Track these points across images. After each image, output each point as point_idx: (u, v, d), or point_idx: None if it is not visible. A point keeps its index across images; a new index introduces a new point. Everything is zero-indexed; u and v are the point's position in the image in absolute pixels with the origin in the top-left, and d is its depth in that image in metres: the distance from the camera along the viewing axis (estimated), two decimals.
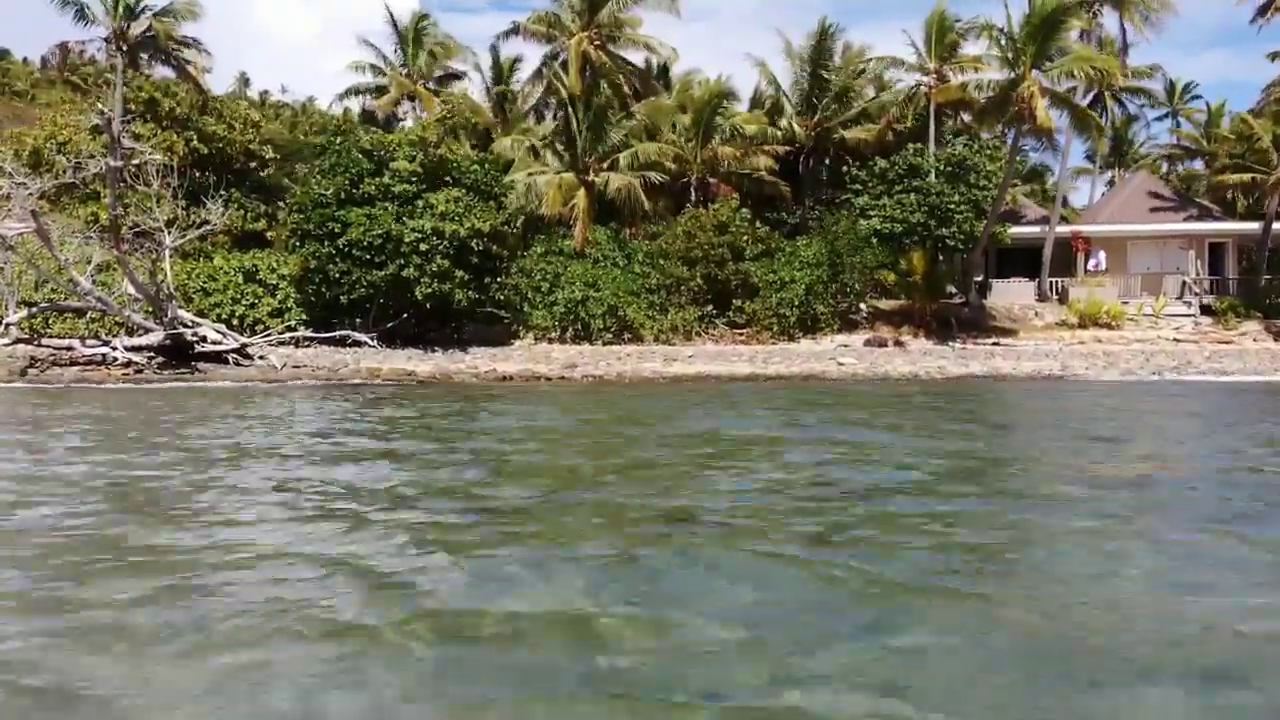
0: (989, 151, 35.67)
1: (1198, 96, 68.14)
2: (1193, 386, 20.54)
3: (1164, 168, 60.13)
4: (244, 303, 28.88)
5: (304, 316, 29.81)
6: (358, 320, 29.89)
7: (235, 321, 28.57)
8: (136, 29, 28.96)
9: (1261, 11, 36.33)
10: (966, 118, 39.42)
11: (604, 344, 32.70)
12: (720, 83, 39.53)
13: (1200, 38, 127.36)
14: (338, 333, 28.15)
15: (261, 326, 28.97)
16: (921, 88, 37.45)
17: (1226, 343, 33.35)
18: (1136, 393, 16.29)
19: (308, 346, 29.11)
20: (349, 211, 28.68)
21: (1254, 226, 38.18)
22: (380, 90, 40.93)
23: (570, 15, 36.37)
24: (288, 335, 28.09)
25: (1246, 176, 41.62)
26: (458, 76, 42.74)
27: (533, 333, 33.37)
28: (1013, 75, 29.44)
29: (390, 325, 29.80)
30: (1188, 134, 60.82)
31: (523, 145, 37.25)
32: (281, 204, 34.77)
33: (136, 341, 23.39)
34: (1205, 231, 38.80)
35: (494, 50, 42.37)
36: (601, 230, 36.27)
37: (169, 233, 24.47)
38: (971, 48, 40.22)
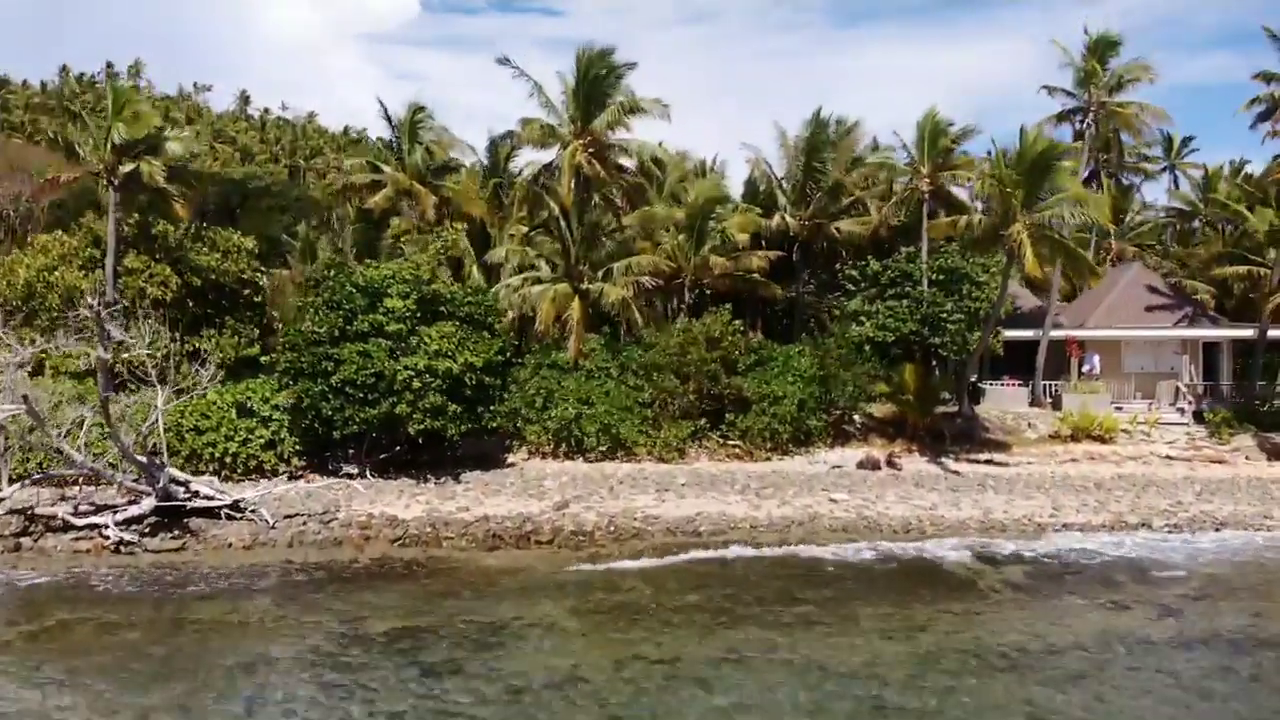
0: (981, 261, 35.71)
1: (1196, 149, 68.48)
2: (1184, 578, 20.68)
3: (1162, 233, 60.22)
4: (237, 439, 28.88)
5: (297, 446, 29.85)
6: (350, 451, 30.02)
7: (229, 459, 28.63)
8: (126, 166, 28.91)
9: (1263, 117, 36.32)
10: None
11: (598, 458, 32.87)
12: (714, 186, 39.74)
13: (1201, 39, 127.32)
14: (329, 480, 28.26)
15: (254, 462, 29.04)
16: (915, 193, 37.52)
17: (1219, 462, 33.42)
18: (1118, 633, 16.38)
19: (300, 477, 29.39)
20: (342, 348, 28.74)
21: (1249, 332, 38.17)
22: (376, 186, 40.95)
23: (564, 125, 36.38)
24: (282, 480, 28.22)
25: (1243, 269, 41.85)
26: (454, 169, 42.82)
27: (526, 447, 33.50)
28: (1005, 213, 29.38)
29: (384, 457, 30.00)
30: (1184, 195, 60.90)
31: (517, 253, 37.36)
32: (276, 326, 34.81)
33: (129, 514, 23.43)
34: (1200, 337, 38.87)
35: (491, 143, 42.63)
36: (595, 339, 36.37)
37: (161, 393, 24.52)
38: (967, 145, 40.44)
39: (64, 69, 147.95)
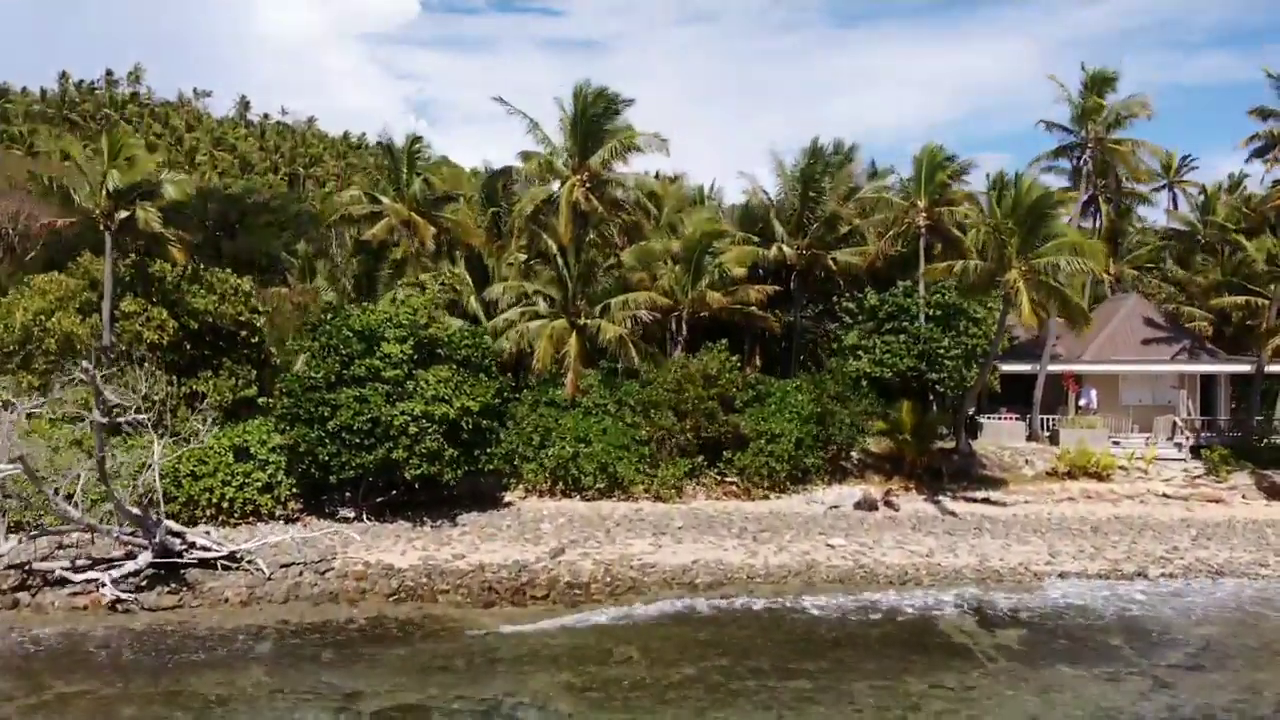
0: (978, 296, 35.68)
1: (1195, 168, 68.27)
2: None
3: (1160, 253, 60.08)
4: (234, 484, 28.84)
5: (294, 489, 29.85)
6: (347, 493, 30.06)
7: (226, 504, 28.62)
8: (122, 212, 28.93)
9: (1260, 154, 36.31)
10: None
11: (595, 496, 32.96)
12: (710, 219, 39.65)
13: (1202, 39, 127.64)
14: (325, 526, 28.28)
15: (251, 506, 29.03)
16: (911, 226, 37.53)
17: (1216, 501, 33.44)
18: None
19: (297, 520, 29.49)
20: (339, 393, 28.77)
21: (1246, 367, 38.17)
22: (375, 217, 40.93)
23: (562, 159, 36.42)
24: (278, 526, 28.27)
25: (1241, 300, 41.83)
26: (452, 198, 42.82)
27: (524, 485, 33.54)
28: (1000, 258, 29.44)
29: (380, 500, 30.05)
30: (1182, 216, 60.76)
31: (515, 288, 37.38)
32: (274, 362, 34.82)
33: (126, 570, 23.46)
34: (1197, 372, 38.90)
35: (490, 176, 42.69)
36: (593, 374, 36.36)
37: (157, 444, 24.55)
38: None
39: (63, 75, 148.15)
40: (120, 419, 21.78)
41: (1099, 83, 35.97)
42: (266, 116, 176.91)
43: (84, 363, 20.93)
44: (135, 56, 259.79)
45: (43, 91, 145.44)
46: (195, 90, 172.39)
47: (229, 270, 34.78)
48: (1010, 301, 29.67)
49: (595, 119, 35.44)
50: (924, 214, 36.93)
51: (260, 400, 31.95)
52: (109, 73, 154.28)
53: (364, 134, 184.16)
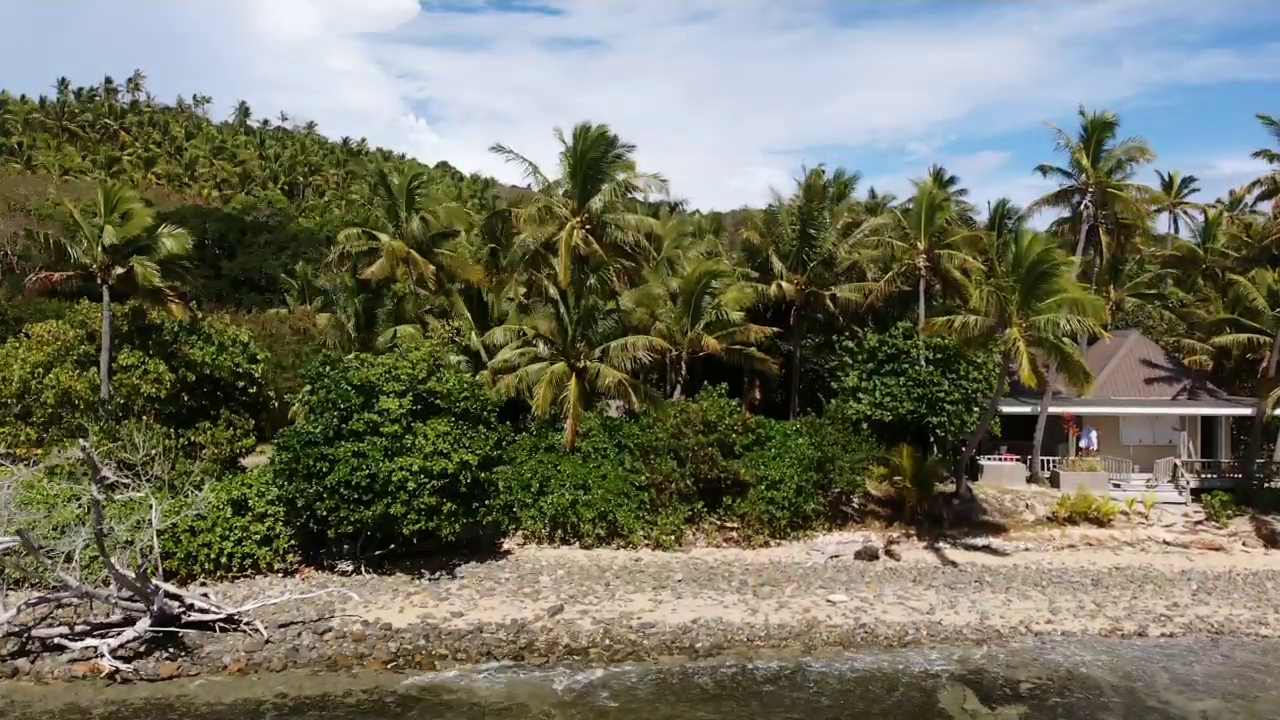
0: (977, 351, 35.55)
1: (1196, 190, 68.21)
2: None
3: (1161, 281, 59.93)
4: (232, 538, 28.76)
5: (293, 541, 29.79)
6: (345, 546, 29.98)
7: (225, 560, 28.57)
8: (119, 268, 28.85)
9: (1264, 198, 36.23)
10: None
11: (595, 543, 32.97)
12: (712, 263, 39.53)
13: (1201, 38, 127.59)
14: (324, 580, 28.21)
15: (249, 560, 28.98)
16: (911, 268, 37.46)
17: (1217, 549, 33.38)
18: None
19: (295, 572, 29.47)
20: (338, 448, 28.69)
21: (1247, 411, 38.07)
22: (373, 253, 40.86)
23: (560, 196, 36.36)
24: (277, 579, 28.18)
25: (1242, 337, 41.65)
26: (452, 235, 42.74)
27: (522, 531, 33.50)
28: (1001, 316, 29.36)
29: (379, 552, 30.00)
30: (1183, 244, 60.61)
31: (514, 330, 37.30)
32: (273, 405, 34.74)
33: (124, 638, 23.38)
34: (1198, 414, 38.81)
35: (490, 216, 42.58)
36: (593, 417, 36.25)
37: (156, 507, 24.49)
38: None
39: (62, 82, 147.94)
40: (118, 483, 21.67)
41: (1098, 128, 35.95)
42: (266, 123, 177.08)
43: (81, 441, 20.82)
44: (135, 57, 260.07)
45: (42, 100, 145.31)
46: (195, 97, 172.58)
47: (226, 313, 34.71)
48: (1010, 358, 29.61)
49: (595, 161, 35.35)
50: (924, 255, 36.85)
51: (259, 449, 31.89)
52: (108, 80, 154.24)
53: (364, 139, 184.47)
